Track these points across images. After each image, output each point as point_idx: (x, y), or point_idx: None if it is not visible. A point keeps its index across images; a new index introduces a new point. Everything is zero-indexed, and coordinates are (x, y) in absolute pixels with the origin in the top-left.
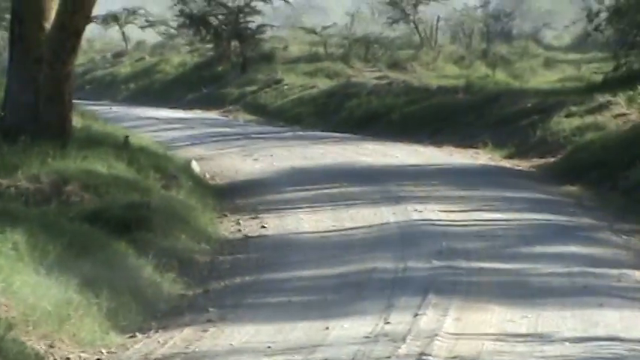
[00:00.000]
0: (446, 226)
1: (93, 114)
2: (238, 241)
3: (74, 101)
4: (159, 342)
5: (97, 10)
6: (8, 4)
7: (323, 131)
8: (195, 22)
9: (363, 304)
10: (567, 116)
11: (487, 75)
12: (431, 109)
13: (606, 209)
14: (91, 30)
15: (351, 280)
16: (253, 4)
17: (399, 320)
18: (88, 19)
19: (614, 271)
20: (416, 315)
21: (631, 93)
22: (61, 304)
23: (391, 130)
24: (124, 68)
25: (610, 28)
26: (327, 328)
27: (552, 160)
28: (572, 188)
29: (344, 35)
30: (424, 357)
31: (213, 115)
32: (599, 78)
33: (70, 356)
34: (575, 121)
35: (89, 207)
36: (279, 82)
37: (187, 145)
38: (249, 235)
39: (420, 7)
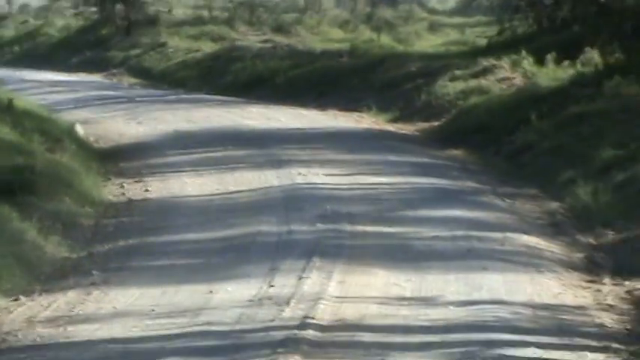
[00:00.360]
0: (330, 189)
1: None
2: (122, 205)
3: None
4: (42, 305)
5: None
6: None
7: (207, 95)
8: None
9: (248, 267)
10: (452, 80)
11: (372, 39)
12: (315, 72)
13: (490, 173)
14: None
15: (236, 244)
16: None
17: (283, 283)
18: None
19: (498, 235)
20: (300, 278)
21: (515, 57)
22: None
23: (276, 93)
24: (8, 31)
25: None
26: (211, 291)
27: (437, 124)
28: (456, 152)
29: None
30: (308, 320)
31: (97, 78)
32: (483, 42)
33: None
34: (460, 85)
35: None
36: (163, 45)
37: (71, 108)
38: (133, 198)
39: None
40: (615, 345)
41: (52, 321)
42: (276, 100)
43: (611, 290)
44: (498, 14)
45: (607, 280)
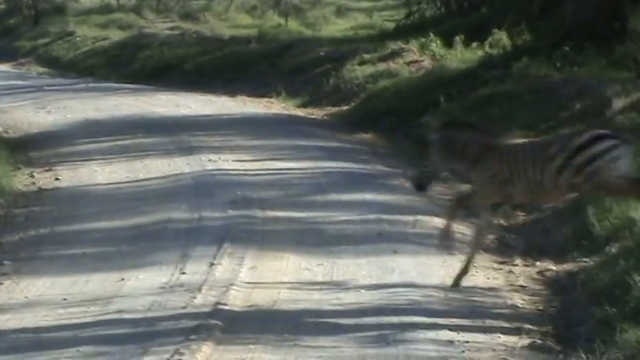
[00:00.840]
0: (240, 175)
1: None
2: (32, 194)
3: None
4: None
5: None
6: None
7: (116, 83)
8: None
9: (159, 254)
10: (360, 64)
11: (280, 24)
12: (224, 59)
13: (399, 156)
14: None
15: (146, 231)
16: None
17: (194, 270)
18: None
19: (409, 218)
20: (211, 265)
21: (423, 40)
22: None
23: (184, 80)
24: None
25: None
26: (123, 279)
27: (346, 108)
28: (365, 136)
29: None
30: (220, 306)
31: (5, 68)
32: (391, 26)
33: None
34: (369, 69)
35: None
36: (71, 34)
37: None
38: (44, 187)
39: None
40: (527, 326)
41: None
42: (186, 87)
43: (522, 271)
44: None
45: (518, 261)
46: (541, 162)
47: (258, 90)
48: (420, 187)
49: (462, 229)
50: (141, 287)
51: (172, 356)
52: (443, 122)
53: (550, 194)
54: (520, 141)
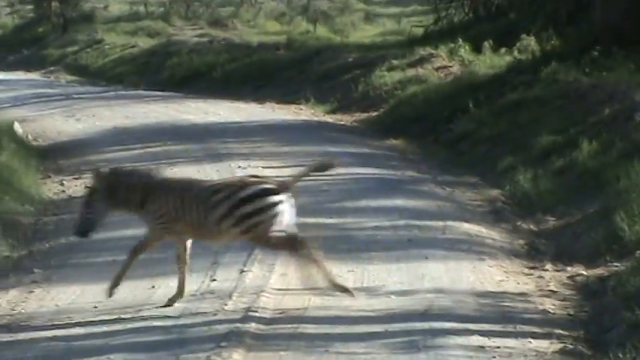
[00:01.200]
0: None
1: None
2: (62, 202)
3: None
4: None
5: None
6: None
7: (145, 90)
8: None
9: (189, 262)
10: (389, 70)
11: (308, 31)
12: (252, 66)
13: (429, 162)
14: None
15: None
16: None
17: (225, 277)
18: None
19: (439, 223)
20: (242, 271)
21: (452, 45)
22: None
23: (213, 87)
24: None
25: None
26: (154, 286)
27: (375, 114)
28: (395, 142)
29: None
30: (250, 313)
31: (34, 76)
32: (419, 31)
33: None
34: (397, 75)
35: None
36: (99, 42)
37: (9, 106)
38: (73, 195)
39: None
40: (558, 331)
41: None
42: (214, 95)
43: (553, 276)
44: (434, 3)
45: (549, 266)
46: (204, 207)
47: (287, 97)
48: (83, 233)
49: (493, 235)
50: (172, 294)
51: None
52: (108, 171)
53: (217, 237)
54: (186, 179)
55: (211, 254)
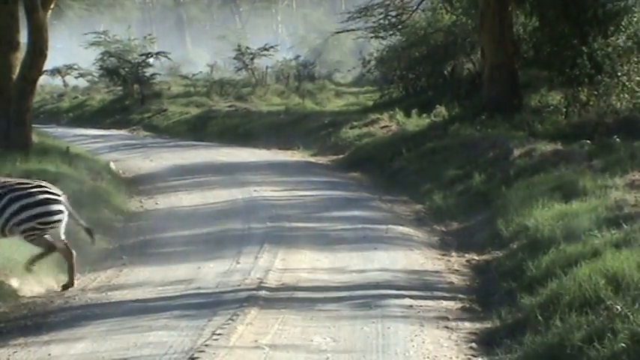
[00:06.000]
0: (274, 200)
1: (45, 133)
2: (141, 213)
3: (33, 125)
4: (90, 279)
5: (46, 66)
6: None
7: (194, 141)
8: (110, 72)
9: (222, 251)
10: (351, 128)
11: (299, 102)
12: (263, 125)
13: (377, 187)
14: (43, 79)
15: (214, 237)
16: (148, 60)
17: (245, 261)
18: (41, 72)
19: (383, 226)
20: (256, 257)
21: (391, 112)
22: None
23: (238, 139)
24: (65, 103)
25: (377, 70)
26: (199, 267)
27: (342, 156)
28: (355, 174)
29: (206, 79)
30: (262, 284)
31: (123, 132)
32: (370, 103)
33: (35, 289)
34: (356, 131)
35: None
36: (165, 110)
37: (107, 152)
38: (148, 209)
39: (256, 60)
40: (460, 295)
41: (97, 289)
42: (238, 144)
43: (456, 260)
44: (380, 85)
45: (454, 253)
46: None
47: (285, 145)
48: None
49: (418, 234)
50: (211, 272)
51: (232, 317)
52: None
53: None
54: None
55: (236, 247)
